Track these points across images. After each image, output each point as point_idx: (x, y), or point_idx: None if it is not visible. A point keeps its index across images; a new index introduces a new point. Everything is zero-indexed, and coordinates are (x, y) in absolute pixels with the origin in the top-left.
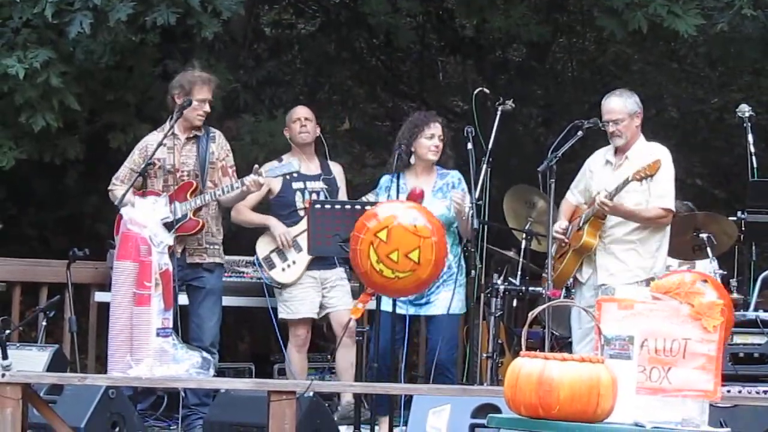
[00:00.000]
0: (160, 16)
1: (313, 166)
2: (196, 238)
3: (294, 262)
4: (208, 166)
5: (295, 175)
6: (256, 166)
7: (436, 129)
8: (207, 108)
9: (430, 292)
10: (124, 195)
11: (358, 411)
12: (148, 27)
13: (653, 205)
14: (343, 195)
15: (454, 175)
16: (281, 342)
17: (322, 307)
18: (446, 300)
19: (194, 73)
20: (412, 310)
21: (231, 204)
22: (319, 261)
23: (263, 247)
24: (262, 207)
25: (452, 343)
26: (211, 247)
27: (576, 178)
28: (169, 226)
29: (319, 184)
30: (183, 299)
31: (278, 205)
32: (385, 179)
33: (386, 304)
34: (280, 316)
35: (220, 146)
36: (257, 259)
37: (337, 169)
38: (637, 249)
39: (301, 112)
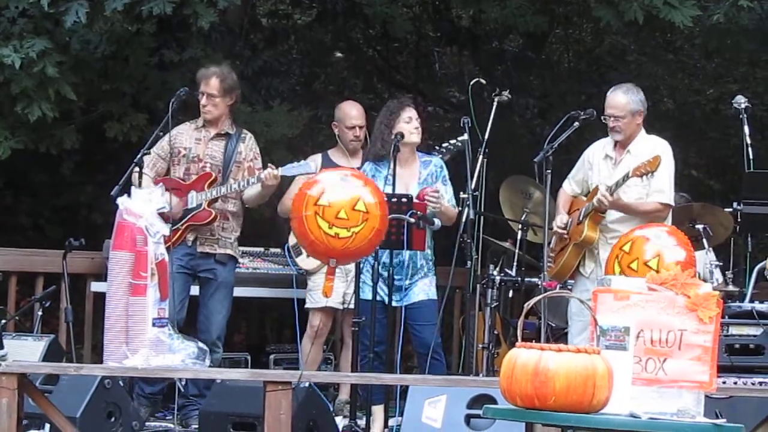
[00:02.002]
0: (156, 6)
1: (354, 161)
2: (209, 228)
3: None
4: (233, 165)
5: (311, 175)
6: (270, 165)
7: (411, 112)
8: (204, 101)
9: (410, 281)
10: (120, 186)
11: (354, 401)
12: (144, 17)
13: (651, 200)
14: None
15: (437, 163)
16: (298, 333)
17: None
18: (424, 287)
19: (206, 67)
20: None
21: (254, 202)
22: None
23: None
24: None
25: (434, 326)
26: (224, 239)
27: (573, 168)
28: (187, 212)
29: None
30: (194, 290)
31: None
32: (367, 167)
33: (369, 294)
34: (305, 305)
35: (248, 147)
36: (287, 246)
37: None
38: None
39: (356, 119)
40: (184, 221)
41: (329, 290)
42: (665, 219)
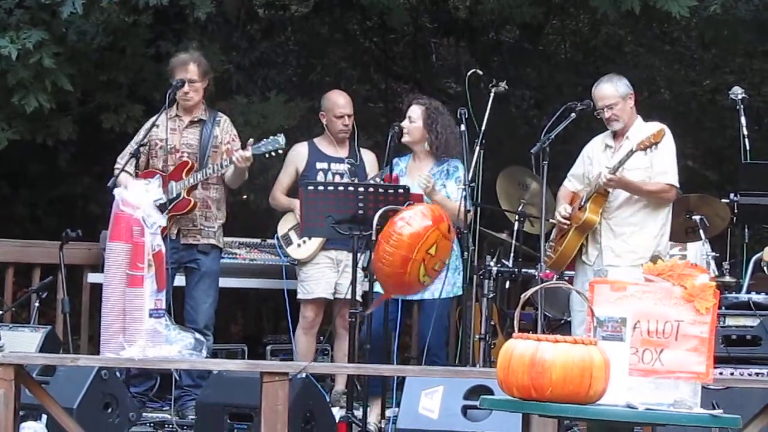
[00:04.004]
0: None
1: (342, 150)
2: (191, 218)
3: (309, 238)
4: (210, 150)
5: (280, 151)
6: (251, 140)
7: (409, 111)
8: (186, 88)
9: None
10: (116, 177)
11: (351, 392)
12: (140, 8)
13: (656, 181)
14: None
15: (452, 163)
16: (291, 324)
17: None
18: (436, 284)
19: (176, 56)
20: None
21: (235, 183)
22: (335, 241)
23: (283, 225)
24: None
25: (442, 327)
26: (206, 228)
27: (574, 165)
28: (162, 207)
29: (342, 167)
30: (180, 281)
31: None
32: (396, 161)
33: (377, 286)
34: (297, 296)
35: (224, 131)
36: (277, 237)
37: (368, 157)
38: (642, 230)
39: (345, 107)
40: (166, 213)
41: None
42: (671, 200)
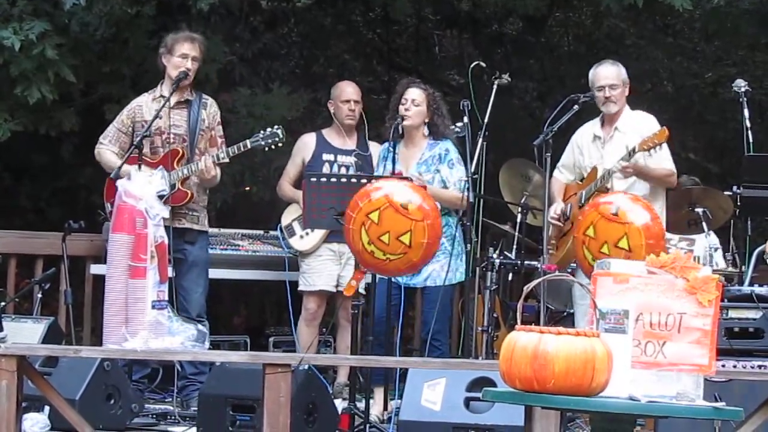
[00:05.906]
0: None
1: (350, 142)
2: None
3: (312, 230)
4: (198, 133)
5: (280, 144)
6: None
7: (409, 94)
8: (188, 64)
9: None
10: (119, 168)
11: (354, 384)
12: None
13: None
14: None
15: (443, 146)
16: (293, 316)
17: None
18: (437, 272)
19: (178, 33)
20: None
21: (208, 184)
22: (337, 233)
23: (287, 216)
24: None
25: (445, 314)
26: (191, 213)
27: (563, 155)
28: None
29: (349, 159)
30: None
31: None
32: (382, 149)
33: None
34: (299, 288)
35: (211, 115)
36: (280, 227)
37: (376, 150)
38: None
39: (352, 94)
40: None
41: (351, 290)
42: (673, 185)
